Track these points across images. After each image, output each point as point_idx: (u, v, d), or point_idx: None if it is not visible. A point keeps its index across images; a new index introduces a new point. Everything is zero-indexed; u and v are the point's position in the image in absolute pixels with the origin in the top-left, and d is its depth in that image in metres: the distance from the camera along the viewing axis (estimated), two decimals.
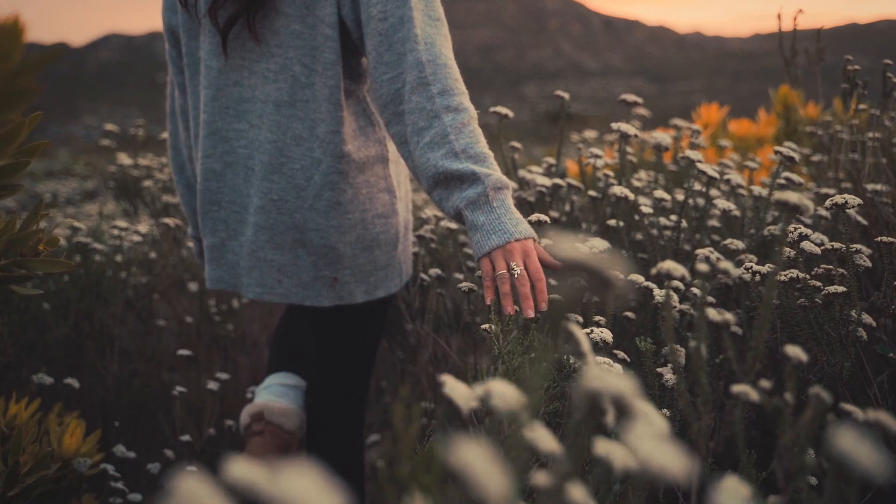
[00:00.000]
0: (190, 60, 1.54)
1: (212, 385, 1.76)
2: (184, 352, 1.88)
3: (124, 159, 2.59)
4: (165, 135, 2.62)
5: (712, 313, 0.75)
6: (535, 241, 1.24)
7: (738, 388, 0.69)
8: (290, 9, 1.39)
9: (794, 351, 0.72)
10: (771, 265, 1.29)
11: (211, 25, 1.46)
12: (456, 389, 0.66)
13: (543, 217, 1.39)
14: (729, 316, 0.76)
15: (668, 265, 0.78)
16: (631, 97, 1.82)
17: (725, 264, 0.75)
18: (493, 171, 1.25)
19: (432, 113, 1.27)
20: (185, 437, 1.72)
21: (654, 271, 0.78)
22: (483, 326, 1.23)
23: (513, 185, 1.92)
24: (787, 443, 0.66)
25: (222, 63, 1.47)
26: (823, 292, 1.16)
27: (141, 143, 2.74)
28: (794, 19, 1.85)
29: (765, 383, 0.68)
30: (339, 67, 1.41)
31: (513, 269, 1.18)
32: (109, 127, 2.72)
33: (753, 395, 0.69)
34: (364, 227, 1.48)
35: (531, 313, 1.18)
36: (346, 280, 1.50)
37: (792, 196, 0.76)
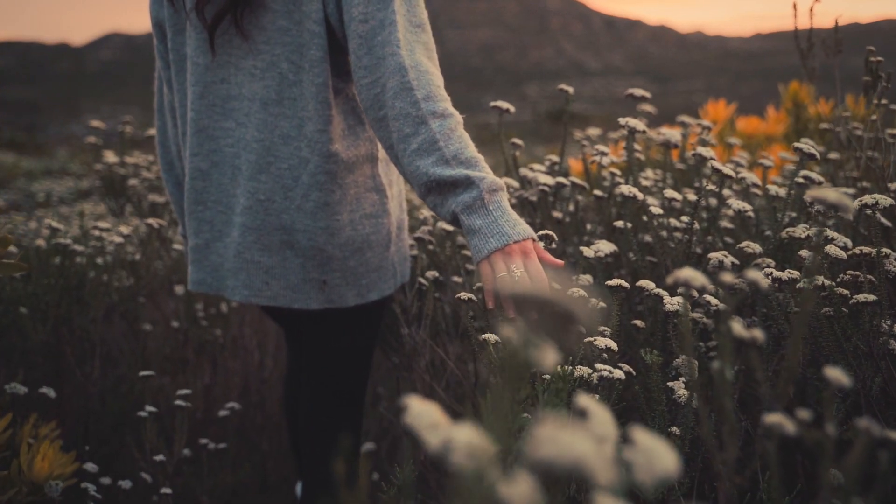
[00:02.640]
0: (176, 56, 1.50)
1: (179, 401, 1.64)
2: (147, 373, 1.77)
3: (110, 157, 2.51)
4: (151, 131, 2.55)
5: (738, 329, 0.66)
6: (534, 241, 1.21)
7: (772, 419, 0.60)
8: (277, 4, 1.36)
9: (835, 374, 0.62)
10: (791, 271, 1.20)
11: (197, 21, 1.42)
12: (422, 417, 0.54)
13: (551, 233, 1.33)
14: (758, 333, 0.66)
15: (686, 273, 0.68)
16: (639, 91, 1.72)
17: (755, 274, 0.65)
18: (486, 173, 1.22)
19: (418, 119, 1.23)
20: (160, 457, 1.62)
21: (669, 280, 0.69)
22: (483, 336, 1.16)
23: (514, 183, 1.84)
24: (831, 484, 0.57)
25: (209, 60, 1.43)
26: (852, 301, 1.06)
27: (128, 140, 2.65)
28: (811, 10, 1.76)
29: (803, 414, 0.58)
30: (327, 65, 1.37)
31: (513, 271, 1.15)
32: (95, 123, 2.63)
33: (790, 428, 0.59)
34: (353, 229, 1.44)
35: (534, 315, 1.12)
36: (335, 283, 1.45)
37: (831, 194, 0.67)
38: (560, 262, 1.25)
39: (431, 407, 0.52)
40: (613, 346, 1.19)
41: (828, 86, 1.97)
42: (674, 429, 1.16)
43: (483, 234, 1.18)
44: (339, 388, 1.60)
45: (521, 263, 1.17)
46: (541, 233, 1.33)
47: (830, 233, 1.11)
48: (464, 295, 1.29)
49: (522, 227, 1.20)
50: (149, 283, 2.20)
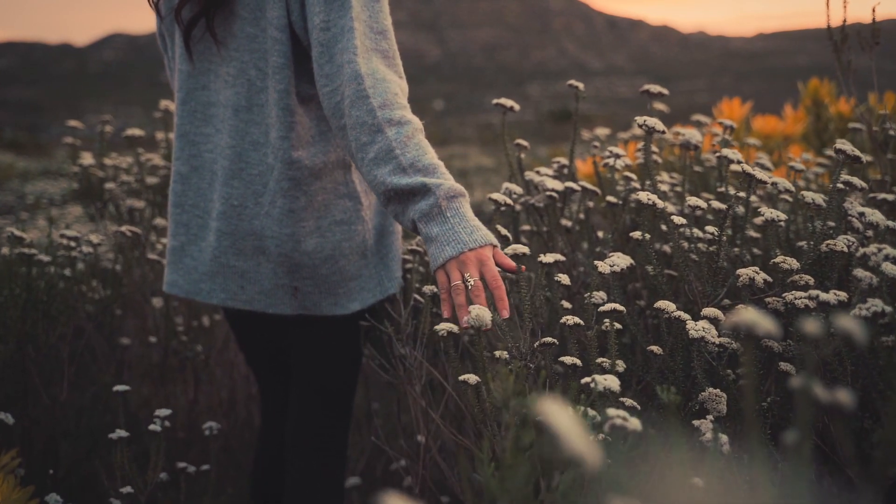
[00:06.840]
0: (174, 65, 1.53)
1: (154, 426, 1.53)
2: (121, 387, 1.63)
3: (87, 159, 2.37)
4: (131, 131, 2.42)
5: (821, 393, 0.50)
6: (494, 246, 1.19)
7: None
8: (245, 11, 1.37)
9: None
10: (837, 292, 1.04)
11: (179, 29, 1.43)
12: None
13: (559, 257, 1.25)
14: (843, 396, 0.51)
15: (750, 316, 0.53)
16: (655, 88, 1.57)
17: (849, 323, 0.50)
18: (444, 180, 1.21)
19: (374, 127, 1.21)
20: (127, 489, 1.47)
21: (729, 324, 0.54)
22: (462, 378, 1.05)
23: (518, 189, 1.69)
24: None
25: (191, 67, 1.45)
26: None
27: (108, 140, 2.50)
28: (845, 3, 1.60)
29: None
30: (289, 71, 1.36)
31: (466, 280, 1.14)
32: (73, 123, 2.50)
33: None
34: (321, 236, 1.42)
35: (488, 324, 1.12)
36: (307, 290, 1.44)
37: None
38: (519, 266, 1.21)
39: None
40: (615, 385, 1.04)
41: (839, 84, 1.84)
42: (696, 480, 1.00)
43: (439, 242, 1.17)
44: (325, 395, 1.56)
45: (477, 272, 1.15)
46: (515, 252, 1.25)
47: (889, 249, 0.96)
48: (443, 330, 1.20)
49: (480, 234, 1.18)
50: (126, 292, 2.05)
